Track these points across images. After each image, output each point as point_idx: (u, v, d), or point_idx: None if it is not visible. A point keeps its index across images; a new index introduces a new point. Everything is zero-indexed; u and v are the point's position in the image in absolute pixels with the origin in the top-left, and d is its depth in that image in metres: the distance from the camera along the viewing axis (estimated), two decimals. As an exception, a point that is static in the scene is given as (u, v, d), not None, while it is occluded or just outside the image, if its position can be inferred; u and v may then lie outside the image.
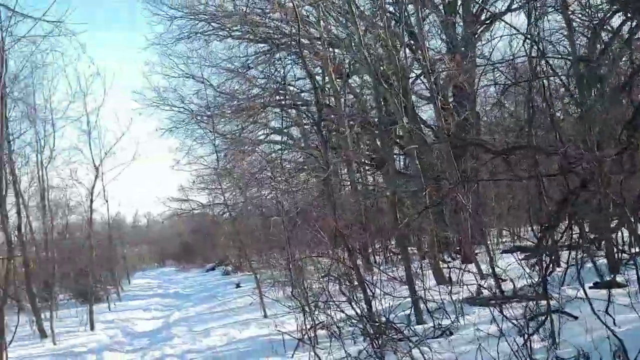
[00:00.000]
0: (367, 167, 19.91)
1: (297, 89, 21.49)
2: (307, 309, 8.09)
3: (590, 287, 8.75)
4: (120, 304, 17.52)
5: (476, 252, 15.14)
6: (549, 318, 5.91)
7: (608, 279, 9.27)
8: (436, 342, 7.13)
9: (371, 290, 8.83)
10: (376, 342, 6.90)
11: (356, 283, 8.78)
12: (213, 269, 31.22)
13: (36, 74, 12.28)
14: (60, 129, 15.23)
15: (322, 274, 8.76)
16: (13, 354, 9.77)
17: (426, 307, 8.86)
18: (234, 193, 29.05)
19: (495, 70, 15.71)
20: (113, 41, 62.36)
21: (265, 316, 11.46)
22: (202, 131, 24.98)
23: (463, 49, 15.36)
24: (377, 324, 7.69)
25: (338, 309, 8.19)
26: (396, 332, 7.45)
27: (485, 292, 9.32)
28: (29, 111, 12.22)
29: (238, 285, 18.01)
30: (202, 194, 31.92)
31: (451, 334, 7.66)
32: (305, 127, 18.81)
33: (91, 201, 12.74)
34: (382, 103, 13.10)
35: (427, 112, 18.10)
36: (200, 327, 11.38)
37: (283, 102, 18.18)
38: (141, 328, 13.01)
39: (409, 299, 9.20)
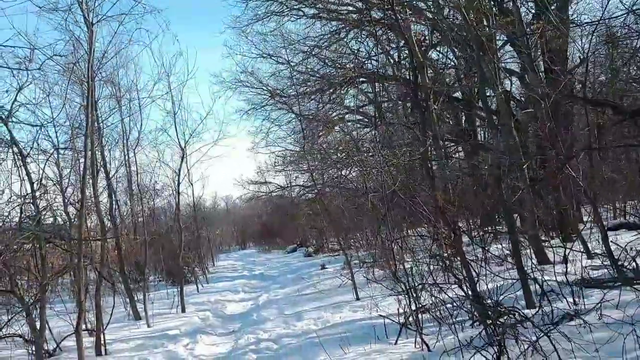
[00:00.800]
0: (451, 143, 18.98)
1: (378, 64, 20.76)
2: (411, 291, 7.49)
3: None
4: (207, 285, 17.62)
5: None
6: None
7: None
8: (557, 329, 6.38)
9: (475, 271, 8.15)
10: (494, 327, 6.22)
11: (459, 263, 8.14)
12: (294, 250, 31.22)
13: (122, 54, 12.24)
14: (146, 107, 15.09)
15: (426, 254, 8.11)
16: (110, 336, 9.81)
17: (539, 289, 8.08)
18: (315, 173, 29.00)
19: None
20: (193, 26, 63.48)
21: (358, 298, 10.99)
22: (279, 112, 24.92)
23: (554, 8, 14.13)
24: (494, 307, 7.02)
25: (442, 291, 7.56)
26: (514, 316, 6.76)
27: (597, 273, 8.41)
28: (116, 92, 12.20)
29: (323, 267, 17.64)
30: (280, 176, 32.04)
31: (572, 319, 6.87)
32: (394, 101, 18.02)
33: (178, 183, 12.69)
34: (479, 73, 12.13)
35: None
36: (291, 310, 11.05)
37: (372, 75, 17.38)
38: (231, 310, 12.90)
39: (514, 281, 8.47)
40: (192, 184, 15.98)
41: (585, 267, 9.36)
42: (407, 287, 7.37)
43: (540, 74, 12.49)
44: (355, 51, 18.74)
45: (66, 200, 9.34)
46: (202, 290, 16.34)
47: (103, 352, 8.77)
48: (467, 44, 12.05)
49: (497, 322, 6.43)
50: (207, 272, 19.59)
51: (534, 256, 10.95)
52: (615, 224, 14.03)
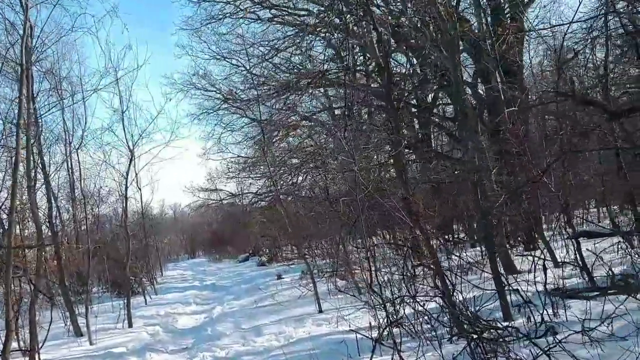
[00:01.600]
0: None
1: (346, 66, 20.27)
2: (386, 304, 6.87)
3: None
4: (156, 297, 16.55)
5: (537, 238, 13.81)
6: None
7: None
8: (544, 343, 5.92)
9: (450, 281, 7.64)
10: (481, 343, 5.67)
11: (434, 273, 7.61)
12: (247, 259, 30.29)
13: (64, 41, 11.18)
14: (91, 103, 13.85)
15: (400, 263, 7.53)
16: (47, 356, 8.78)
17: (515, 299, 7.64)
18: (272, 179, 28.20)
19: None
20: (144, 22, 61.35)
21: (321, 311, 10.31)
22: (232, 117, 24.05)
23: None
24: (474, 320, 6.49)
25: (418, 304, 6.99)
26: (497, 331, 6.24)
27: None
28: (57, 85, 11.13)
29: (279, 277, 16.87)
30: (231, 183, 31.21)
31: (555, 333, 6.41)
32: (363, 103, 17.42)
33: (126, 187, 11.69)
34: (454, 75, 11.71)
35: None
36: (249, 324, 10.27)
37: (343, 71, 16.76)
38: (182, 324, 11.97)
39: (490, 292, 8.02)
40: (140, 189, 14.96)
41: (562, 277, 8.97)
42: (383, 299, 6.75)
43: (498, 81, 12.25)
44: (316, 54, 18.14)
45: (-1, 205, 8.30)
46: (150, 302, 15.27)
47: (38, 376, 7.76)
48: (434, 46, 11.66)
49: (483, 338, 5.90)
50: (155, 282, 18.48)
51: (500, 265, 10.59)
52: (579, 232, 13.89)
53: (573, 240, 10.29)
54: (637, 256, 9.36)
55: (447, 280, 7.46)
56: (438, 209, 12.19)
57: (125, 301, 11.72)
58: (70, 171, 11.78)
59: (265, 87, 20.81)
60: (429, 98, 18.52)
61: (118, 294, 16.22)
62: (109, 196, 19.38)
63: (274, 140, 24.41)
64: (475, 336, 6.10)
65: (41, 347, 8.11)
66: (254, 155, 26.30)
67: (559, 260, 10.57)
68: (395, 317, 6.98)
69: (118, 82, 11.30)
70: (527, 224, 13.01)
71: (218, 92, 22.43)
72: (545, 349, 4.92)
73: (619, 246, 10.65)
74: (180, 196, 60.60)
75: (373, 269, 7.20)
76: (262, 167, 28.19)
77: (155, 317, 12.45)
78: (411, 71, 18.14)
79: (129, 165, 11.69)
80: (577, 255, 9.19)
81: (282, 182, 19.16)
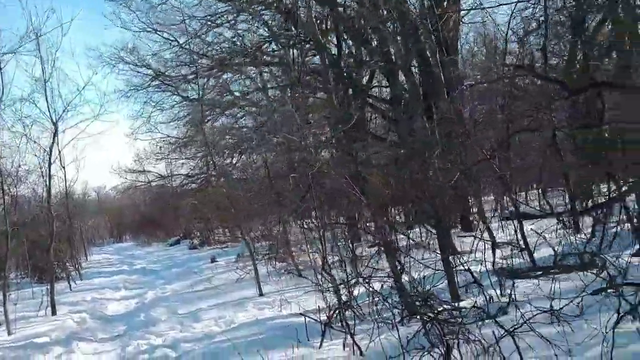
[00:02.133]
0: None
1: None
2: (338, 285, 6.56)
3: (633, 255, 7.60)
4: (81, 282, 15.56)
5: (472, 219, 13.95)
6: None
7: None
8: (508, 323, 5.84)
9: (399, 261, 7.44)
10: (439, 325, 5.45)
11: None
12: (177, 242, 29.34)
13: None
14: (8, 68, 12.41)
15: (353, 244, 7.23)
16: (-42, 348, 7.94)
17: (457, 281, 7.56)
18: (202, 161, 27.31)
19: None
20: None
21: (262, 294, 9.91)
22: (163, 95, 23.04)
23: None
24: (425, 300, 6.29)
25: (368, 285, 6.73)
26: (453, 311, 6.06)
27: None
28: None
29: (214, 260, 16.32)
30: (160, 164, 30.22)
31: (505, 313, 6.33)
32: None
33: (49, 164, 10.74)
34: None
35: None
36: (185, 309, 9.72)
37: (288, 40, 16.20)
38: (112, 310, 11.23)
39: (437, 272, 7.91)
40: (64, 167, 13.93)
41: (503, 258, 8.97)
42: (335, 281, 6.43)
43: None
44: (251, 32, 17.51)
45: None
46: (75, 288, 14.33)
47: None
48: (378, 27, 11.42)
49: (439, 319, 5.68)
50: (80, 267, 17.42)
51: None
52: (507, 214, 14.13)
53: (515, 221, 10.40)
54: (573, 236, 9.58)
55: (397, 261, 7.26)
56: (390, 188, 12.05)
57: (48, 287, 10.86)
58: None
59: (198, 65, 20.05)
60: (364, 80, 18.33)
61: (39, 279, 15.14)
62: (29, 175, 18.05)
63: (207, 119, 23.64)
64: (430, 316, 5.89)
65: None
66: (185, 135, 25.39)
67: (498, 241, 10.67)
68: (346, 299, 6.69)
69: (39, 43, 10.29)
70: (465, 205, 13.10)
71: (148, 67, 21.34)
72: (511, 329, 4.73)
73: (557, 227, 10.90)
74: (105, 178, 58.17)
75: (324, 249, 6.83)
76: (193, 147, 27.42)
77: (81, 304, 11.64)
78: (347, 52, 17.88)
79: (53, 140, 10.76)
80: (519, 236, 9.25)
81: (217, 163, 18.38)
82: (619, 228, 8.88)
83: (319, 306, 6.98)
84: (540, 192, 11.88)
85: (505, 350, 4.75)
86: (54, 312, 10.42)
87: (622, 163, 8.31)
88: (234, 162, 22.56)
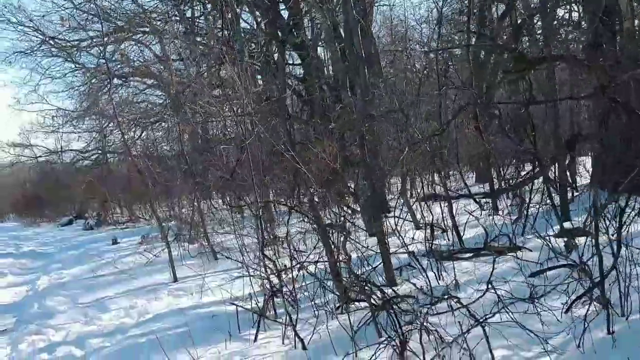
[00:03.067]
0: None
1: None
2: (277, 270, 5.84)
3: (554, 236, 7.57)
4: (-42, 267, 13.65)
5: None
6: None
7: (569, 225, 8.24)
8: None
9: (334, 243, 6.88)
10: (390, 314, 4.92)
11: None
12: (70, 222, 27.10)
13: None
14: None
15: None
16: None
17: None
18: (100, 134, 25.33)
19: None
20: None
21: (176, 279, 8.96)
22: (54, 61, 20.98)
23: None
24: (363, 285, 5.77)
25: (302, 268, 6.10)
26: (400, 299, 5.58)
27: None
28: None
29: (115, 242, 14.96)
30: (49, 138, 27.91)
31: (451, 297, 5.96)
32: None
33: None
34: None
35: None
36: (89, 297, 8.58)
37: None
38: (-2, 300, 9.80)
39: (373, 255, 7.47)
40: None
41: (429, 239, 8.51)
42: (273, 265, 5.71)
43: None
44: None
45: None
46: (-50, 274, 12.49)
47: None
48: None
49: (391, 307, 5.17)
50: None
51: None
52: (425, 195, 14.06)
53: (443, 202, 10.18)
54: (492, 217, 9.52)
55: (330, 240, 6.69)
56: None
57: None
58: None
59: (94, 30, 18.40)
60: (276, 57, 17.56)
61: None
62: None
63: (103, 90, 21.84)
64: (377, 304, 5.38)
65: None
66: (80, 106, 23.40)
67: (421, 223, 10.42)
68: (272, 285, 6.00)
69: None
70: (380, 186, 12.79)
71: (37, 29, 19.20)
72: (481, 318, 4.28)
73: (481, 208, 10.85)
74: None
75: (262, 229, 6.09)
76: (89, 120, 25.36)
77: (-41, 292, 10.07)
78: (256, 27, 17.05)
79: None
80: (450, 219, 8.99)
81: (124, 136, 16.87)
82: (540, 208, 8.86)
83: (250, 294, 6.25)
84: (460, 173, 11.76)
85: (471, 341, 4.34)
86: None
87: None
88: (138, 135, 20.98)
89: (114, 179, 25.73)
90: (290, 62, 18.48)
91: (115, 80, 20.63)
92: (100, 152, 26.87)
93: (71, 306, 8.20)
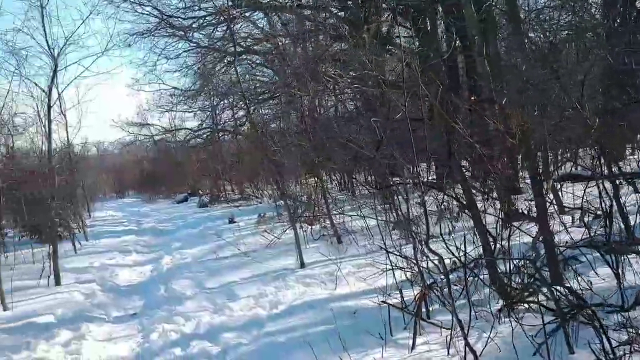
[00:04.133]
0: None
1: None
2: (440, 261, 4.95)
3: None
4: (87, 243, 14.00)
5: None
6: None
7: None
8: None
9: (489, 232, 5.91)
10: (598, 328, 3.89)
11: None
12: (185, 199, 27.77)
13: None
14: None
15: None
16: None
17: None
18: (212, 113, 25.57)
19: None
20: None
21: (303, 265, 8.32)
22: (169, 41, 21.06)
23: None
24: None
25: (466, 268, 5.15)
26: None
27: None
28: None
29: (232, 220, 14.72)
30: (164, 117, 28.59)
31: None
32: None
33: (49, 106, 9.01)
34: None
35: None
36: (214, 282, 8.17)
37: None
38: (125, 280, 9.69)
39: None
40: (64, 114, 12.18)
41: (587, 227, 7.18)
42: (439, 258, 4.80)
43: None
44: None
45: None
46: (81, 250, 12.77)
47: None
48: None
49: (593, 317, 4.12)
50: (85, 226, 15.87)
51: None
52: (561, 175, 12.53)
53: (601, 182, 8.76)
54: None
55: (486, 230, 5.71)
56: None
57: (50, 251, 9.32)
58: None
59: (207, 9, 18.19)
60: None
61: (40, 239, 13.62)
62: (27, 126, 16.34)
63: (217, 69, 21.85)
64: (571, 312, 4.37)
65: None
66: (193, 85, 23.57)
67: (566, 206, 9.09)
68: (424, 281, 5.11)
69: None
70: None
71: (155, 9, 19.34)
72: None
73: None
74: (105, 133, 55.93)
75: (426, 217, 5.20)
76: (201, 99, 25.60)
77: (89, 271, 10.10)
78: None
79: (52, 78, 9.01)
80: (616, 203, 7.63)
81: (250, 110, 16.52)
82: None
83: (399, 289, 5.40)
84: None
85: None
86: (57, 282, 8.88)
87: None
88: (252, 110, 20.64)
89: (225, 156, 26.02)
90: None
91: (228, 58, 20.65)
92: (211, 130, 27.17)
93: (197, 291, 7.81)
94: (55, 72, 9.03)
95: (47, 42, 8.97)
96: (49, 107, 9.06)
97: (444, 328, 4.78)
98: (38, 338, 6.07)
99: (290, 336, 5.25)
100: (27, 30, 8.99)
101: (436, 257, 4.92)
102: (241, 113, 24.53)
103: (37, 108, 9.58)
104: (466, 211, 6.38)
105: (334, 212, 10.42)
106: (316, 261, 8.45)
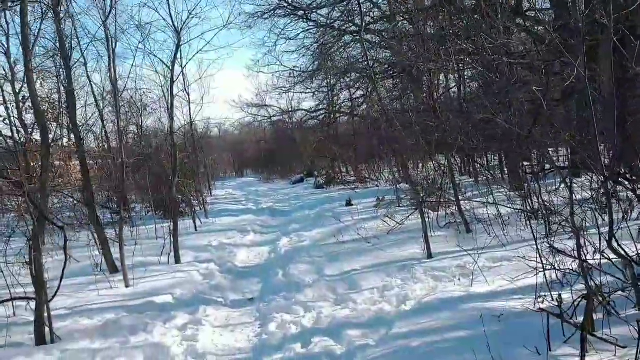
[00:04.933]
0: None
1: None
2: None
3: None
4: (207, 221, 14.13)
5: None
6: None
7: None
8: None
9: None
10: None
11: None
12: (301, 180, 27.81)
13: None
14: None
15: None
16: (64, 303, 6.43)
17: None
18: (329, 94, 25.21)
19: None
20: None
21: (430, 256, 7.53)
22: (287, 21, 20.80)
23: None
24: None
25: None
26: None
27: None
28: None
29: (349, 203, 14.17)
30: (282, 99, 28.65)
31: None
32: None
33: (172, 80, 8.89)
34: None
35: None
36: (334, 269, 7.62)
37: None
38: (243, 260, 9.47)
39: None
40: (187, 92, 12.17)
41: None
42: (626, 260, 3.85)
43: None
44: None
45: None
46: (201, 228, 12.86)
47: (49, 339, 5.35)
48: None
49: None
50: (205, 204, 16.11)
51: None
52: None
53: None
54: None
55: None
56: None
57: (171, 228, 9.28)
58: (110, 59, 8.47)
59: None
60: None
61: (163, 214, 13.95)
62: (155, 105, 16.85)
63: (334, 49, 21.39)
64: None
65: (55, 295, 5.65)
66: (311, 65, 23.23)
67: None
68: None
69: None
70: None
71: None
72: None
73: None
74: (225, 114, 57.80)
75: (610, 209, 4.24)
76: (318, 80, 25.27)
77: (208, 250, 10.00)
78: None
79: (175, 52, 8.87)
80: None
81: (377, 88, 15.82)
82: None
83: (559, 294, 4.48)
84: None
85: None
86: (177, 261, 8.81)
87: None
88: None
89: (342, 138, 25.62)
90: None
91: (346, 38, 20.09)
92: (327, 111, 26.86)
93: (317, 278, 7.29)
94: (178, 46, 8.88)
95: (171, 16, 8.83)
96: (172, 82, 8.95)
97: (619, 346, 3.86)
98: (156, 320, 5.85)
99: (424, 340, 4.53)
100: (152, 4, 8.84)
101: (624, 259, 3.93)
102: (359, 93, 24.12)
103: (161, 83, 9.51)
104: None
105: (462, 198, 9.49)
106: (445, 252, 7.65)
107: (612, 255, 4.32)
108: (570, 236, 6.21)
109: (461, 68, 12.57)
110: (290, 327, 5.41)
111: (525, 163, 10.19)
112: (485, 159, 15.45)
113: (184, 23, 8.90)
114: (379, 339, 4.80)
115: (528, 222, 8.69)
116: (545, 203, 8.41)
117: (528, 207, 9.02)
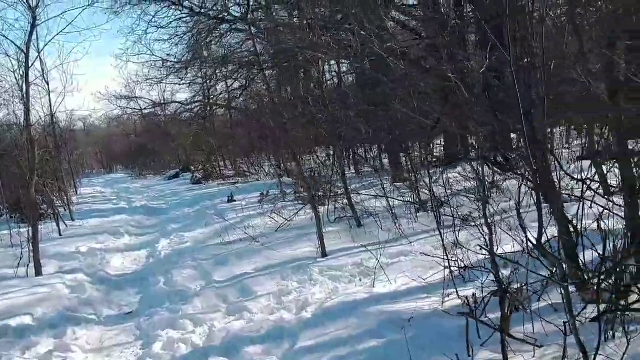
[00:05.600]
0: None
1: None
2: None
3: None
4: (73, 224, 12.70)
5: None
6: None
7: None
8: None
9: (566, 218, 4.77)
10: None
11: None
12: (177, 175, 26.48)
13: None
14: None
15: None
16: None
17: None
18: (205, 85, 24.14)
19: None
20: None
21: (325, 254, 7.15)
22: (160, 7, 19.51)
23: None
24: None
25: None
26: None
27: None
28: None
29: (232, 199, 13.49)
30: (153, 91, 27.12)
31: None
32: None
33: (26, 66, 7.65)
34: None
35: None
36: (223, 273, 6.97)
37: None
38: (117, 268, 8.46)
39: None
40: (46, 81, 10.78)
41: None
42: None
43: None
44: None
45: None
46: (66, 232, 11.48)
47: None
48: None
49: None
50: (70, 204, 14.55)
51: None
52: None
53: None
54: None
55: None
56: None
57: (29, 233, 8.07)
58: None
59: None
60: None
61: (21, 219, 12.34)
62: (6, 95, 14.90)
63: (209, 39, 20.47)
64: None
65: None
66: (184, 56, 22.07)
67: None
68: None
69: None
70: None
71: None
72: None
73: None
74: (92, 107, 54.03)
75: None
76: (193, 71, 24.16)
77: (75, 257, 8.85)
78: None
79: (30, 33, 7.66)
80: None
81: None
82: None
83: (474, 295, 4.24)
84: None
85: None
86: (38, 272, 7.63)
87: None
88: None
89: (219, 131, 24.73)
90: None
91: (223, 27, 19.26)
92: (203, 103, 25.80)
93: (204, 285, 6.62)
94: (33, 26, 7.68)
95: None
96: (27, 67, 7.72)
97: (536, 346, 3.70)
98: (11, 349, 4.88)
99: (335, 354, 4.08)
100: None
101: (554, 259, 3.71)
102: (237, 85, 23.35)
103: (13, 69, 8.19)
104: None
105: (352, 191, 9.24)
106: (339, 249, 7.33)
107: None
108: (461, 228, 6.06)
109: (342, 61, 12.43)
110: (179, 346, 4.72)
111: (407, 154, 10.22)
112: (363, 150, 15.51)
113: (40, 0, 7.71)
114: (282, 355, 4.28)
115: (416, 215, 8.70)
116: (435, 195, 8.41)
117: (417, 199, 9.00)
